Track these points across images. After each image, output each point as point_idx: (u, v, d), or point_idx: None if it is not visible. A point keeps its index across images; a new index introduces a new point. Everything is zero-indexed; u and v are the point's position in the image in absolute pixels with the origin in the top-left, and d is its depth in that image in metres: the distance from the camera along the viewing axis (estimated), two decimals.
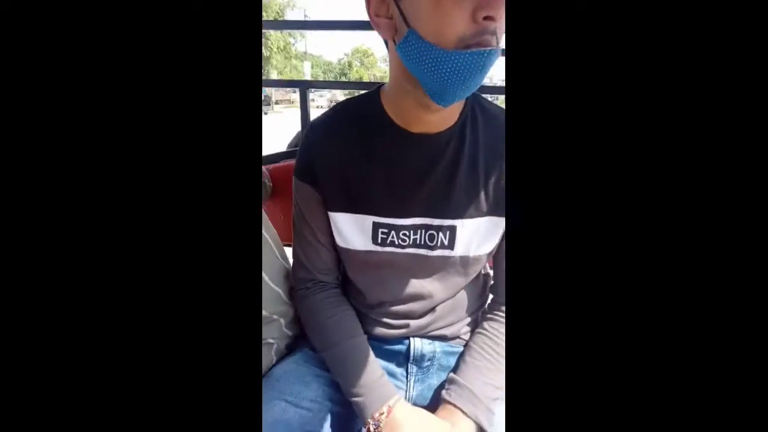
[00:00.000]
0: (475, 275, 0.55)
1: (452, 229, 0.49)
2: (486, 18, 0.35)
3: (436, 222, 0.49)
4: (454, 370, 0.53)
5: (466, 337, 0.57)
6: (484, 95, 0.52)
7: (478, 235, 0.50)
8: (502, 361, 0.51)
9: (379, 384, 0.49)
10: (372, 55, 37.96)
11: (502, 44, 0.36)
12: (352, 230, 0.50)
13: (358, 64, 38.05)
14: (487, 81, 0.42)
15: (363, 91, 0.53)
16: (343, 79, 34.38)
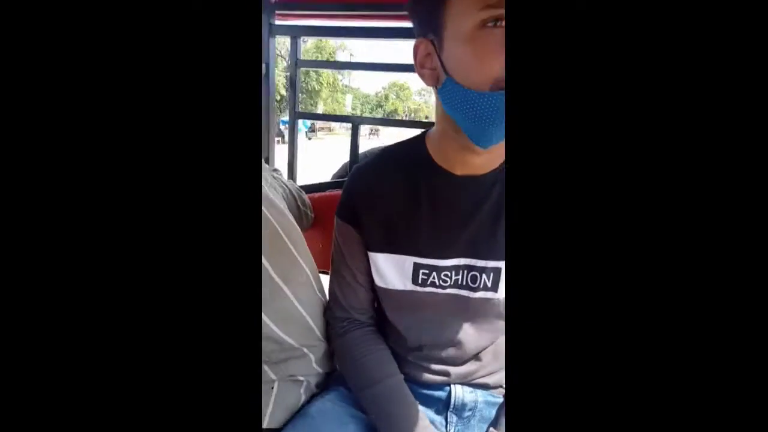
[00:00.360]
0: None
1: (497, 271, 0.48)
2: None
3: (480, 263, 0.48)
4: (494, 423, 0.51)
5: None
6: None
7: None
8: None
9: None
10: (408, 89, 39.48)
11: None
12: (392, 271, 0.50)
13: (394, 97, 39.64)
14: None
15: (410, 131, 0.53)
16: (380, 109, 35.81)
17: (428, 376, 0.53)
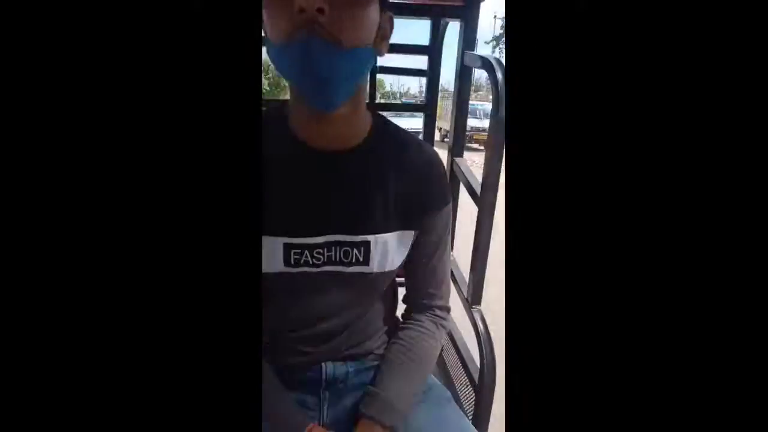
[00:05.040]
0: (386, 288, 0.56)
1: (366, 245, 0.49)
2: (300, 9, 0.36)
3: (349, 238, 0.49)
4: (371, 382, 0.53)
5: (380, 351, 0.57)
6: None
7: (391, 250, 0.51)
8: (416, 367, 0.53)
9: (290, 414, 0.49)
10: None
11: (347, 39, 0.37)
12: (263, 254, 0.47)
13: None
14: None
15: None
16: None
17: (300, 359, 0.53)
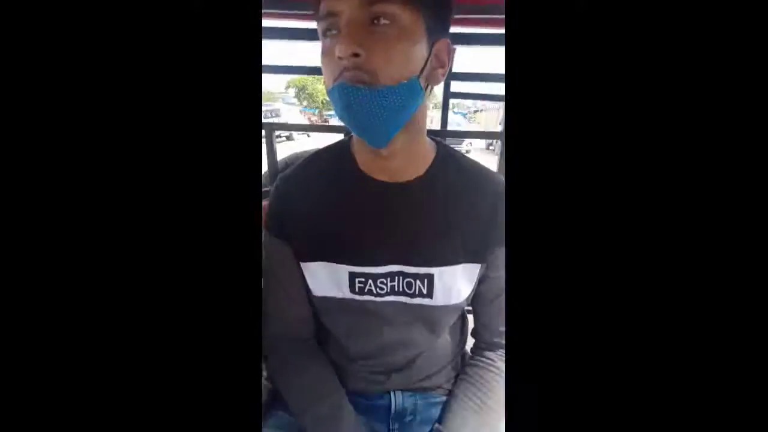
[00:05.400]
0: (453, 322, 0.54)
1: (429, 278, 0.48)
2: (339, 58, 0.37)
3: (412, 270, 0.48)
4: (440, 421, 0.51)
5: (448, 386, 0.56)
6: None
7: (456, 283, 0.49)
8: (487, 409, 0.51)
9: None
10: None
11: (386, 76, 0.38)
12: (328, 280, 0.49)
13: None
14: None
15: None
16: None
17: (369, 386, 0.53)
